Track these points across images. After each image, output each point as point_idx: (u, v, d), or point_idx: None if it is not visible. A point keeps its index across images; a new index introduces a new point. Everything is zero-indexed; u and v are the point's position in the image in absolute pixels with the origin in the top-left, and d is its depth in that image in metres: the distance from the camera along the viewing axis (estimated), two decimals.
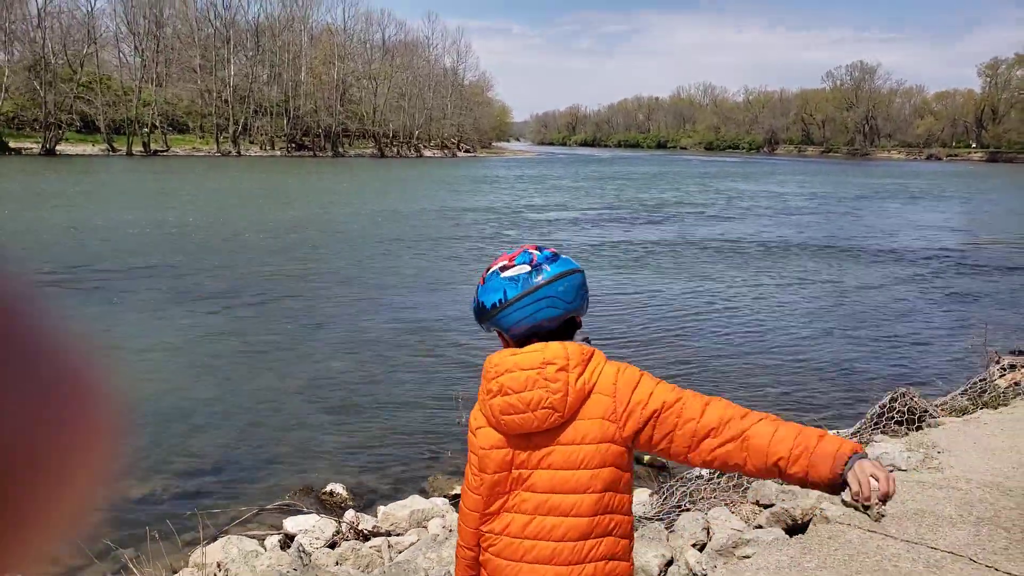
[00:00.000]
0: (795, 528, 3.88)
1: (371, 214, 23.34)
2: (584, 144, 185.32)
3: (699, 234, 20.66)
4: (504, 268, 1.67)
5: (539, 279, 1.64)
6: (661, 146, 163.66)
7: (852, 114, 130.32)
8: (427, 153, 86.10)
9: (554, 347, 1.63)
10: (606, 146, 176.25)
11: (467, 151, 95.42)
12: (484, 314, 1.68)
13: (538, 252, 1.69)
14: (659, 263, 15.66)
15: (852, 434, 5.44)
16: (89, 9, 66.84)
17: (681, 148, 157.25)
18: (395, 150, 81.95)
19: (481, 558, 1.73)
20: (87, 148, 59.55)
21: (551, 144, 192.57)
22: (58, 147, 56.82)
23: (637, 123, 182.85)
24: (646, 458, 5.78)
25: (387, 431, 6.35)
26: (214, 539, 4.23)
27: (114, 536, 4.10)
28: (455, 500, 4.73)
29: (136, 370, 7.62)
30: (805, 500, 4.03)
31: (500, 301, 1.65)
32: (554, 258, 1.69)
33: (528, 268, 1.65)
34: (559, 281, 1.65)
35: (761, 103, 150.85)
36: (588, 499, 1.63)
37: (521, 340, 1.67)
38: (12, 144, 54.40)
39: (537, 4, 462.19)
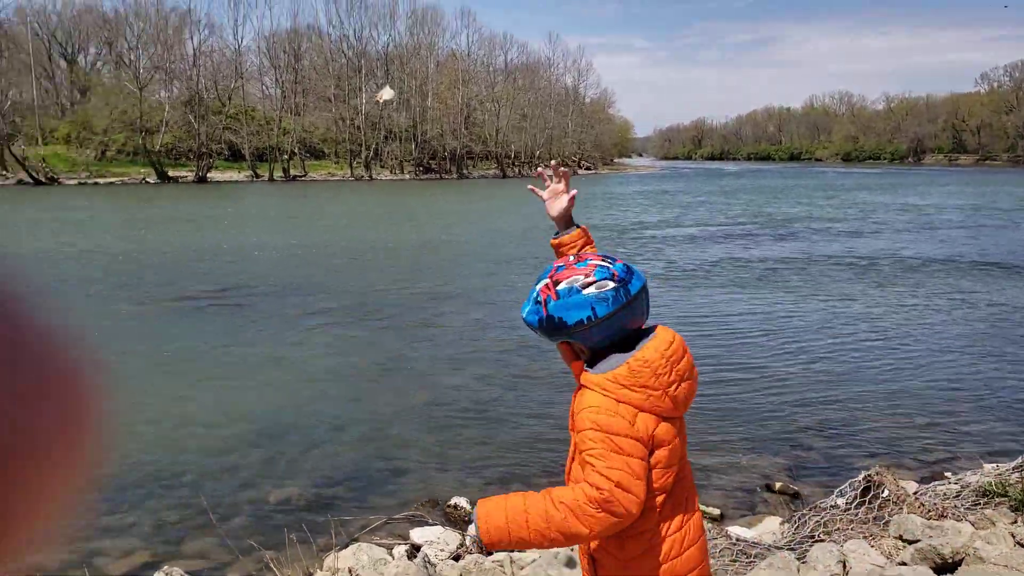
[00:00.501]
0: (944, 567, 3.62)
1: (490, 233, 23.84)
2: (711, 158, 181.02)
3: (832, 250, 19.64)
4: (585, 285, 1.68)
5: (626, 294, 1.68)
6: (794, 158, 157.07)
7: (1013, 118, 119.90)
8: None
9: (670, 331, 1.75)
10: (734, 159, 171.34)
11: (588, 168, 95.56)
12: (563, 330, 1.71)
13: (613, 264, 1.72)
14: (789, 282, 15.02)
15: (1014, 468, 4.99)
16: (237, 47, 72.86)
17: (816, 160, 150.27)
18: (517, 170, 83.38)
19: (638, 554, 1.71)
20: (234, 175, 64.53)
21: (675, 159, 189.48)
22: (209, 174, 61.94)
23: (767, 135, 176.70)
24: (778, 485, 5.57)
25: (510, 447, 6.46)
26: (346, 545, 4.45)
27: (257, 537, 4.41)
28: None
29: (273, 383, 8.17)
30: (956, 538, 3.75)
31: (589, 318, 1.67)
32: (629, 271, 1.73)
33: (612, 284, 1.68)
34: (643, 293, 1.73)
35: (904, 110, 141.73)
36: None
37: (597, 349, 1.73)
38: (171, 173, 59.83)
39: (659, 17, 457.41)
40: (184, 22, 68.96)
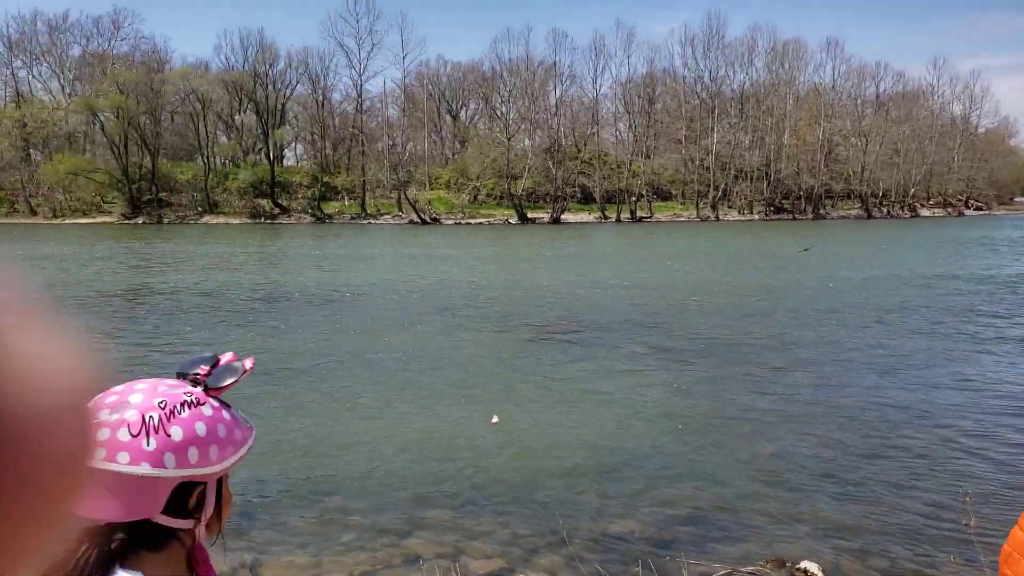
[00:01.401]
0: None
1: (839, 279, 22.00)
2: None
3: None
4: None
5: None
6: None
7: None
8: (924, 212, 77.75)
9: None
10: None
11: (977, 208, 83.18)
12: None
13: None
14: None
15: None
16: (595, 95, 78.22)
17: None
18: (885, 210, 75.88)
19: None
20: (584, 216, 68.95)
21: None
22: (562, 216, 67.05)
23: None
24: None
25: (871, 515, 5.92)
26: None
27: (601, 562, 4.67)
28: None
29: (612, 416, 8.54)
30: None
31: None
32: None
33: None
34: None
35: None
36: None
37: None
38: (529, 214, 66.09)
39: None
40: (549, 75, 76.24)
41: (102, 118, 66.29)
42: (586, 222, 66.77)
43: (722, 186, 73.10)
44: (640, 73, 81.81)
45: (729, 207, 73.32)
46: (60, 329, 0.26)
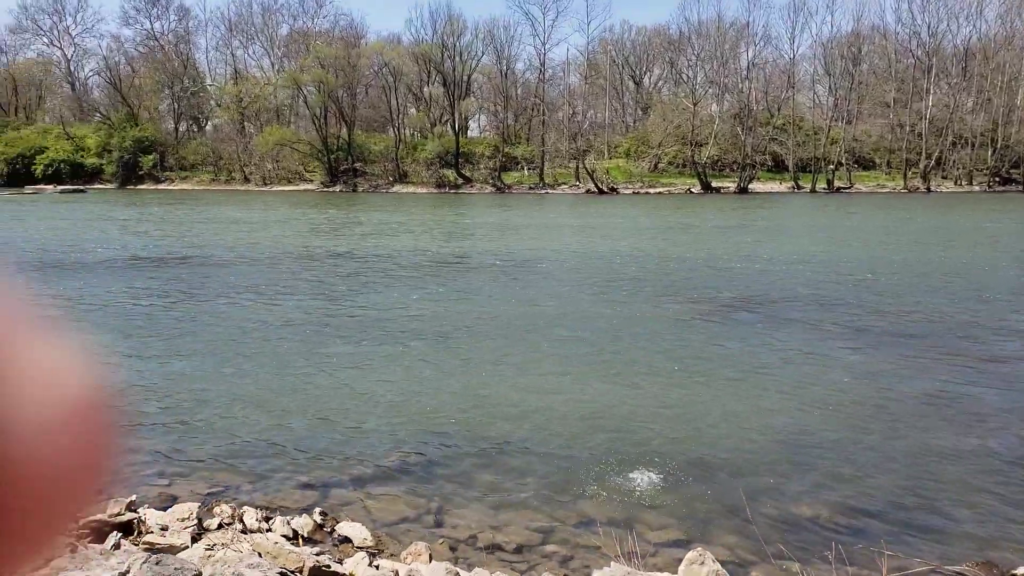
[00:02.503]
0: None
1: None
2: None
3: None
4: None
5: None
6: None
7: None
8: None
9: None
10: None
11: None
12: None
13: None
14: None
15: None
16: (791, 56, 73.54)
17: None
18: None
19: None
20: (774, 186, 65.45)
21: None
22: (750, 185, 64.09)
23: None
24: None
25: None
26: None
27: (786, 544, 4.53)
28: None
29: (802, 396, 8.14)
30: None
31: None
32: None
33: None
34: None
35: None
36: None
37: None
38: (714, 183, 63.81)
39: None
40: (741, 36, 72.61)
41: (305, 92, 71.88)
42: (777, 192, 63.39)
43: (935, 154, 66.36)
44: (844, 31, 75.88)
45: (944, 177, 66.51)
46: (56, 342, 0.25)
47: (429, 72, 73.33)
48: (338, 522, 5.43)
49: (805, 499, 5.63)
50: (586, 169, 65.19)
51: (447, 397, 8.25)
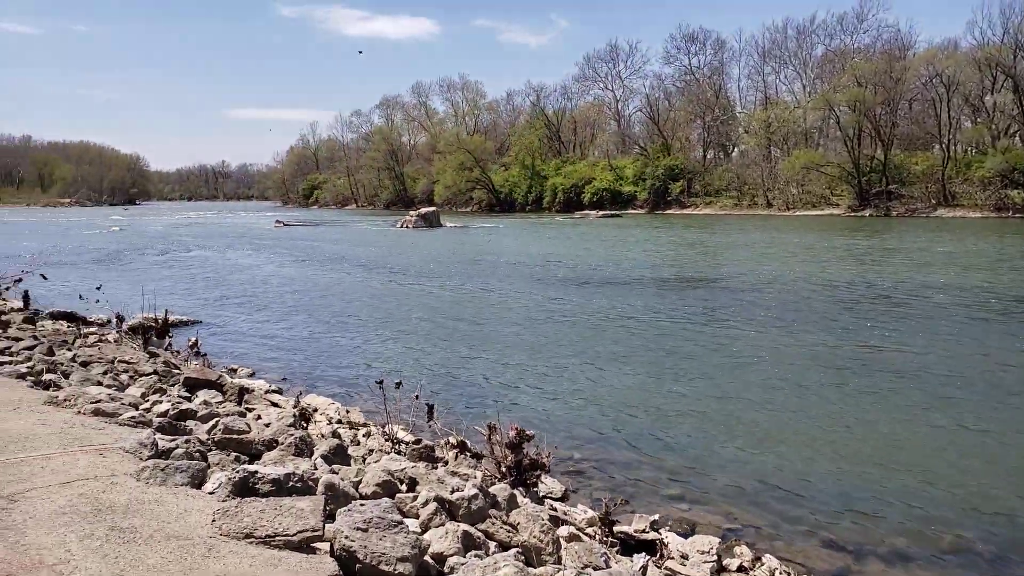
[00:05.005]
0: None
1: None
2: None
3: None
4: None
5: None
6: None
7: None
8: None
9: None
10: None
11: None
12: None
13: None
14: None
15: None
16: None
17: None
18: None
19: None
20: None
21: None
22: None
23: None
24: None
25: None
26: None
27: None
28: None
29: None
30: None
31: None
32: None
33: None
34: None
35: None
36: None
37: None
38: None
39: None
40: None
41: (838, 112, 69.01)
42: None
43: None
44: None
45: None
46: None
47: (994, 78, 63.48)
48: None
49: None
50: None
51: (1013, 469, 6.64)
